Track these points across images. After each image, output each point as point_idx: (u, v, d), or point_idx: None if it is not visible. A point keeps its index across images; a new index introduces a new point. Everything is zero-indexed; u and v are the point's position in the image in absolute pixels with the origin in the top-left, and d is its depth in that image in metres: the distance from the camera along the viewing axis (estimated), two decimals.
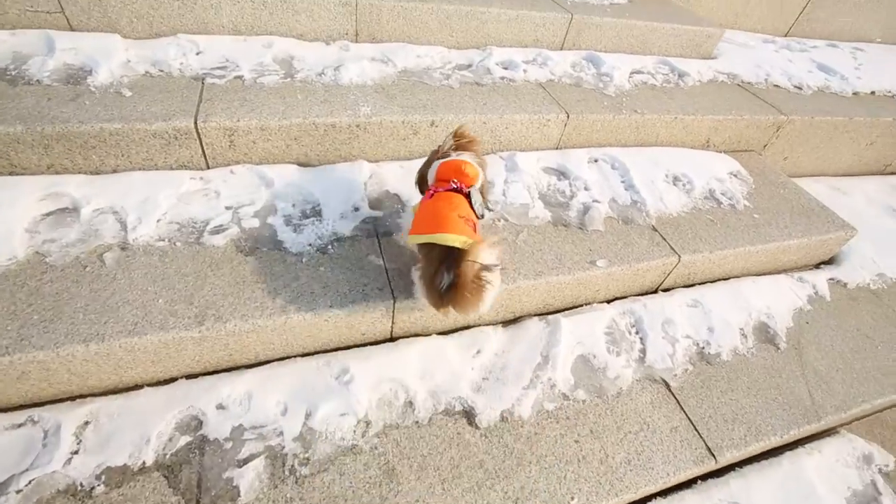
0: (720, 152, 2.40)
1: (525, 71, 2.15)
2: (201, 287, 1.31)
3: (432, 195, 1.26)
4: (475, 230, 1.20)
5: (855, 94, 2.90)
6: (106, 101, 1.53)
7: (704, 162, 2.22)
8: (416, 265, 1.26)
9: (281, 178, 1.62)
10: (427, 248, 1.18)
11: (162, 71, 1.70)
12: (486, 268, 1.09)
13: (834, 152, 2.76)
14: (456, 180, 1.26)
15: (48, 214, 1.41)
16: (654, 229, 1.83)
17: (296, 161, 1.71)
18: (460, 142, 1.39)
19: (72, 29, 1.77)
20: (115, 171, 1.55)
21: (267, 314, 1.27)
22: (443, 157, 1.32)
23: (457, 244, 1.10)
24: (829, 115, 2.53)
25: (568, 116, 1.95)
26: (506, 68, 2.16)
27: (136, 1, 1.75)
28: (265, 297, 1.31)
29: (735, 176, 2.24)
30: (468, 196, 1.25)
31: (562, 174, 1.95)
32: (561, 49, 2.44)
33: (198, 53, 1.80)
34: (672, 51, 2.69)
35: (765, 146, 2.53)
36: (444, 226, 1.14)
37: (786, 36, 3.69)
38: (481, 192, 1.33)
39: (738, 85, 2.63)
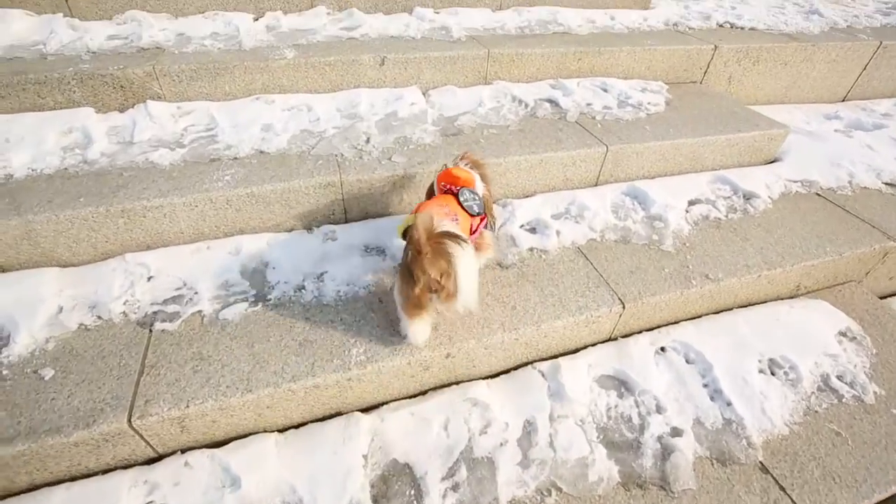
0: (812, 294, 1.90)
1: (558, 232, 1.72)
2: None
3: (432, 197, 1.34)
4: (460, 224, 1.23)
5: None
6: (16, 396, 1.15)
7: (802, 325, 1.71)
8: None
9: (252, 469, 1.19)
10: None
11: (101, 318, 1.33)
12: (447, 234, 1.07)
13: None
14: (444, 183, 1.34)
15: None
16: (764, 469, 1.32)
17: (273, 426, 1.29)
18: (466, 160, 1.45)
19: (2, 271, 1.44)
20: (31, 488, 1.16)
21: None
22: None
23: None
24: None
25: (624, 307, 1.50)
26: (533, 230, 1.74)
27: (72, 226, 1.42)
28: None
29: (846, 337, 1.71)
30: (457, 195, 1.30)
31: (623, 385, 1.48)
32: (595, 185, 2.02)
33: (149, 279, 1.44)
34: (728, 161, 2.23)
35: (867, 273, 2.01)
36: (416, 212, 1.16)
37: (843, 101, 3.20)
38: (486, 208, 1.37)
39: (818, 195, 2.14)
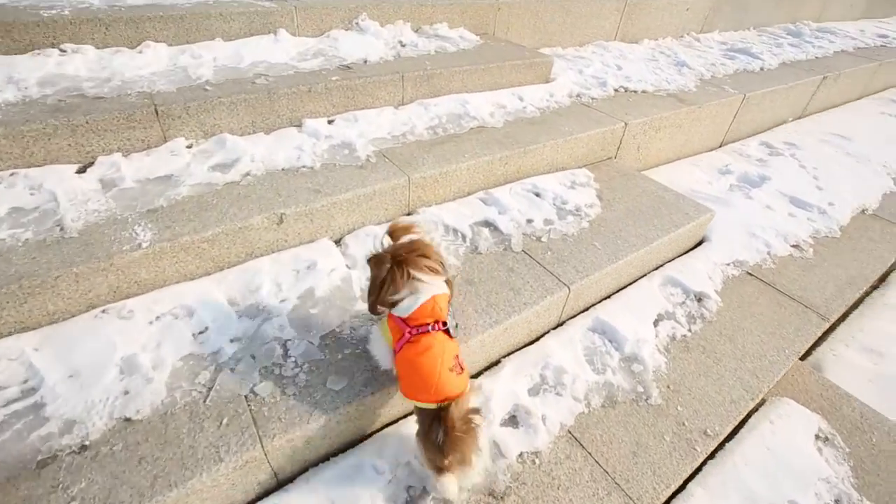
0: (774, 391, 1.90)
1: (544, 418, 1.44)
2: None
3: (410, 339, 1.14)
4: (461, 367, 1.17)
5: (842, 229, 2.64)
6: None
7: (788, 446, 1.66)
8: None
9: None
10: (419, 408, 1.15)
11: None
12: (474, 410, 1.09)
13: None
14: (431, 321, 1.15)
15: None
16: None
17: None
18: (404, 247, 1.15)
19: None
20: None
21: None
22: (415, 293, 1.14)
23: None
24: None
25: None
26: (514, 421, 1.44)
27: None
28: None
29: (821, 441, 1.72)
30: (446, 328, 1.18)
31: None
32: (558, 324, 1.79)
33: None
34: (668, 254, 2.18)
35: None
36: (441, 392, 1.09)
37: (720, 146, 3.49)
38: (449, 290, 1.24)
39: (750, 274, 2.20)
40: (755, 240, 2.38)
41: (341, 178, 1.79)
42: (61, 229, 1.42)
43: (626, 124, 2.56)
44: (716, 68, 3.71)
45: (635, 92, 3.05)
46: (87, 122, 1.63)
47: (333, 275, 1.59)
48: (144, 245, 1.39)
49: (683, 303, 1.99)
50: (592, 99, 2.84)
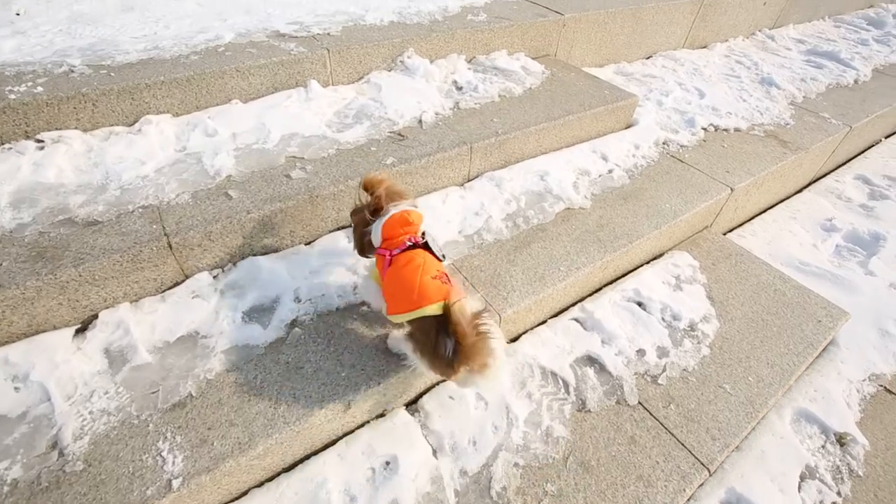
0: None
1: None
2: None
3: (391, 260, 1.17)
4: (449, 281, 1.14)
5: None
6: None
7: None
8: (404, 336, 1.18)
9: None
10: (415, 321, 1.11)
11: None
12: (478, 314, 1.04)
13: None
14: (410, 237, 1.18)
15: None
16: None
17: None
18: (377, 192, 1.23)
19: None
20: None
21: None
22: (380, 216, 1.20)
23: (440, 311, 1.05)
24: None
25: None
26: None
27: None
28: None
29: None
30: (426, 246, 1.19)
31: None
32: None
33: None
34: (795, 368, 1.80)
35: None
36: (424, 297, 1.08)
37: (809, 185, 3.02)
38: None
39: (891, 392, 1.83)
40: (889, 340, 2.00)
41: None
42: (61, 454, 1.04)
43: (731, 190, 2.11)
44: (806, 85, 3.17)
45: (727, 131, 2.56)
46: (79, 275, 1.21)
47: (420, 478, 1.22)
48: (176, 484, 1.01)
49: (824, 447, 1.63)
50: (682, 147, 2.36)
